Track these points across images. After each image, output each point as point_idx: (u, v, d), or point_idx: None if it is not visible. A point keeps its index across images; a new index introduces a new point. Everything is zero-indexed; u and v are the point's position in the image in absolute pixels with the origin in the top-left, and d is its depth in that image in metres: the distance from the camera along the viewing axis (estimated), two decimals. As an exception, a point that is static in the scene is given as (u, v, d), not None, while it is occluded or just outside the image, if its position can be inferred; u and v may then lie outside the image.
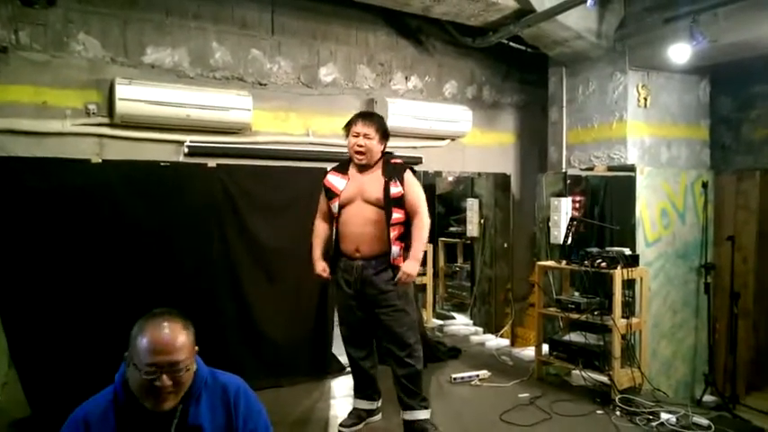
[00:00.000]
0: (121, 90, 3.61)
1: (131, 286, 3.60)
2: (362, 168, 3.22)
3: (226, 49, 4.23)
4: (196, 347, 1.71)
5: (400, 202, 3.13)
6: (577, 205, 5.04)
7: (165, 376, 1.58)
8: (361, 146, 3.15)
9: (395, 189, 3.12)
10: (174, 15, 4.03)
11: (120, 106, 3.62)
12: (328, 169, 3.43)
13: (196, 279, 3.88)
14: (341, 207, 3.19)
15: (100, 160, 3.67)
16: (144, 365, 1.57)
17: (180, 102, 3.80)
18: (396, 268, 3.11)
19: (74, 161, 3.58)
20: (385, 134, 3.24)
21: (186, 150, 4.02)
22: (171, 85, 3.89)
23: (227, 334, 3.96)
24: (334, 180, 3.26)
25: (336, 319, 4.26)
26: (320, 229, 3.36)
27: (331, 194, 3.23)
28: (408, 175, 3.20)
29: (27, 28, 3.55)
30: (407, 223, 3.16)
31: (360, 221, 3.15)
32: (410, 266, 3.08)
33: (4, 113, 3.50)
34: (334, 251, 3.27)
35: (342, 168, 3.31)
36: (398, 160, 3.35)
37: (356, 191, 3.18)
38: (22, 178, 3.37)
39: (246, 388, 1.83)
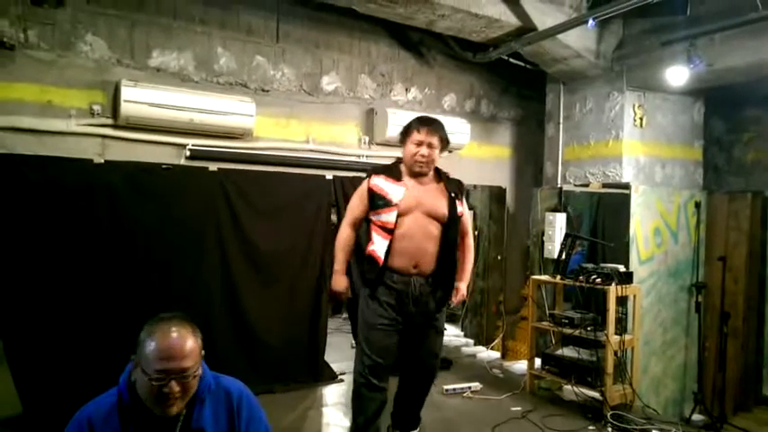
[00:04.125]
0: (127, 92, 3.63)
1: (127, 287, 3.61)
2: (418, 177, 2.92)
3: (230, 55, 4.25)
4: (203, 352, 1.72)
5: (459, 221, 2.96)
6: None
7: (173, 382, 1.58)
8: (425, 156, 2.84)
9: (460, 208, 2.95)
10: (180, 19, 4.06)
11: (125, 108, 3.63)
12: (371, 173, 2.98)
13: (192, 281, 3.90)
14: (398, 218, 2.82)
15: (102, 161, 3.68)
16: (153, 371, 1.57)
17: (184, 105, 3.81)
18: (447, 288, 2.96)
19: (76, 160, 3.58)
20: (447, 144, 2.97)
21: (188, 153, 4.03)
22: (175, 88, 3.90)
23: (221, 337, 3.97)
24: (387, 186, 2.86)
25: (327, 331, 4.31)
26: (348, 238, 2.98)
27: (383, 202, 2.84)
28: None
29: (35, 27, 3.56)
30: None
31: (421, 236, 2.83)
32: (465, 287, 2.99)
33: (8, 111, 3.50)
34: (375, 266, 2.84)
35: (392, 173, 2.91)
36: (447, 172, 3.07)
37: (416, 202, 2.85)
38: (24, 176, 3.38)
39: (249, 393, 1.85)
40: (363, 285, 2.95)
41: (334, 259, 3.02)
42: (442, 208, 2.89)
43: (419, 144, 2.85)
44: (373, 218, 2.89)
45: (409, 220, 2.83)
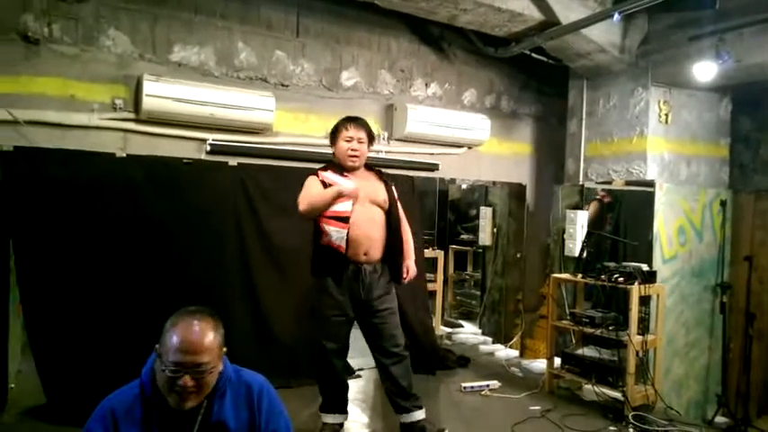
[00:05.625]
0: (149, 86, 3.64)
1: (148, 280, 3.63)
2: (352, 171, 3.15)
3: (251, 50, 4.25)
4: (224, 348, 1.72)
5: (396, 206, 3.24)
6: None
7: (187, 377, 1.58)
8: (355, 149, 3.11)
9: (396, 193, 3.24)
10: (201, 14, 4.06)
11: (147, 102, 3.65)
12: (317, 169, 3.18)
13: (211, 275, 3.91)
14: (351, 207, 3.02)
15: (124, 154, 3.71)
16: (169, 363, 1.58)
17: (204, 100, 3.82)
18: (392, 269, 3.17)
19: (98, 154, 3.61)
20: (372, 138, 3.24)
21: (208, 148, 4.04)
22: (196, 83, 3.90)
23: (238, 331, 3.96)
24: (337, 178, 3.05)
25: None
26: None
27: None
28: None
29: (59, 21, 3.58)
30: None
31: (368, 223, 3.06)
32: (413, 263, 3.23)
33: (32, 104, 3.53)
34: (334, 258, 3.01)
35: (335, 169, 3.14)
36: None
37: (363, 192, 3.06)
38: (46, 169, 3.41)
39: (269, 387, 1.85)
40: (315, 276, 3.12)
41: (319, 199, 2.98)
42: (383, 194, 3.15)
43: (349, 140, 3.11)
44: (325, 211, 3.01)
45: (358, 208, 3.02)
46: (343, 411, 3.29)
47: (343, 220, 2.99)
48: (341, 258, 3.00)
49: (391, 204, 3.16)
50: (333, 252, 3.00)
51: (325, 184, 3.05)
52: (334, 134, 3.18)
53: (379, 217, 3.12)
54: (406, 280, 3.20)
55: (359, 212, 3.02)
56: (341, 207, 2.98)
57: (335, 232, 2.98)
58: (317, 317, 3.15)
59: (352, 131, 3.12)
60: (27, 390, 3.59)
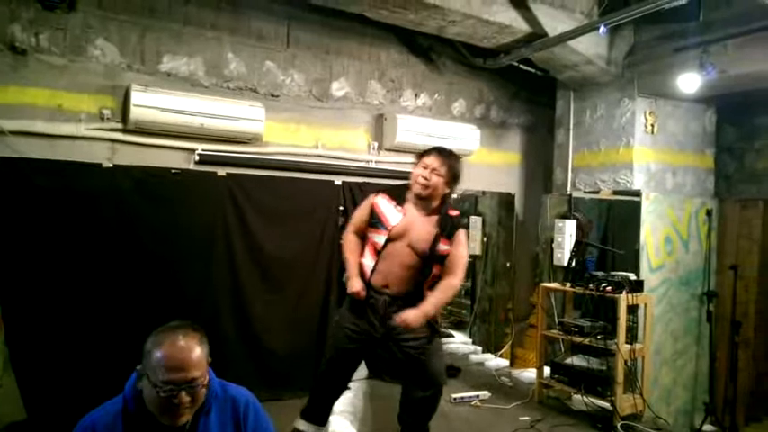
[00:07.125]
0: (137, 97, 3.63)
1: (134, 292, 3.60)
2: (420, 204, 2.99)
3: (240, 60, 4.26)
4: (209, 359, 1.71)
5: (443, 259, 2.96)
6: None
7: (183, 393, 1.56)
8: (426, 179, 2.91)
9: (443, 246, 2.94)
10: (191, 25, 4.07)
11: (135, 112, 3.64)
12: (380, 191, 3.13)
13: (200, 287, 3.89)
14: (387, 242, 2.95)
15: (111, 165, 3.68)
16: (161, 383, 1.55)
17: (194, 110, 3.82)
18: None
19: (85, 165, 3.58)
20: (455, 178, 3.00)
21: (197, 158, 4.04)
22: (185, 93, 3.91)
23: (229, 343, 3.95)
24: (387, 210, 3.00)
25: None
26: (354, 242, 3.10)
27: (379, 224, 2.98)
28: (461, 234, 2.99)
29: (47, 32, 3.58)
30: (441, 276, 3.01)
31: (397, 261, 2.94)
32: (412, 316, 2.82)
33: (19, 115, 3.52)
34: (361, 279, 3.00)
35: (397, 196, 3.03)
36: (456, 212, 3.06)
37: (405, 231, 2.95)
38: (33, 180, 3.38)
39: (255, 401, 1.83)
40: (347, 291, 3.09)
41: (345, 265, 3.13)
42: (423, 244, 2.93)
43: (424, 168, 2.95)
44: (368, 234, 3.03)
45: (393, 246, 2.95)
46: (320, 424, 3.17)
47: (376, 250, 2.97)
48: (364, 282, 2.98)
49: (428, 257, 2.92)
50: (362, 273, 3.01)
51: (373, 210, 3.02)
52: (418, 157, 3.04)
53: (410, 259, 2.93)
54: (396, 322, 2.88)
55: (392, 250, 2.95)
56: (377, 238, 2.98)
57: (368, 257, 3.00)
58: (334, 325, 3.16)
59: (429, 160, 2.94)
60: (7, 405, 3.50)
